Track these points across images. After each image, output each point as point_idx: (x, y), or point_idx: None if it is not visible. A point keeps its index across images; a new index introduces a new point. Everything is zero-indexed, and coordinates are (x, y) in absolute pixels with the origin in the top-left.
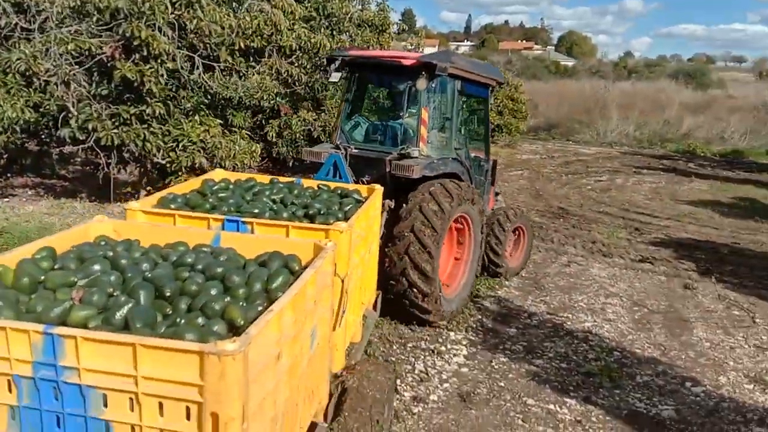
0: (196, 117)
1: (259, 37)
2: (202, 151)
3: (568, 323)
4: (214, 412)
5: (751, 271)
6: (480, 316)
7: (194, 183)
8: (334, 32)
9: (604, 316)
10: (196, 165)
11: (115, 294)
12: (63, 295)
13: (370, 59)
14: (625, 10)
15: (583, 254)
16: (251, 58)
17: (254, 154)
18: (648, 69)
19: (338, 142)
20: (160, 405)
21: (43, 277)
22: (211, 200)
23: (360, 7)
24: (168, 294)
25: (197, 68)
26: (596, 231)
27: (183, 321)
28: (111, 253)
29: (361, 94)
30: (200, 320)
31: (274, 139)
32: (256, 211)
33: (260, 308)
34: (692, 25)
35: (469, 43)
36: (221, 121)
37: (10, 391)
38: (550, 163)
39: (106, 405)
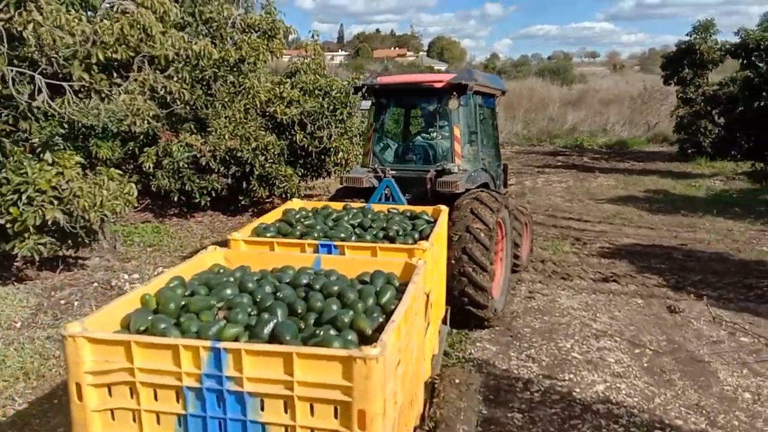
0: (47, 155)
1: (123, 46)
2: (55, 203)
3: (576, 389)
4: (361, 409)
5: (720, 279)
6: None
7: (276, 213)
8: (215, 39)
9: (611, 370)
10: (49, 221)
11: (252, 313)
12: (206, 317)
13: (402, 84)
14: (486, 14)
15: (540, 279)
16: (115, 74)
17: (130, 197)
18: (515, 69)
19: (374, 166)
20: (311, 406)
21: (183, 302)
22: (298, 228)
23: (243, 10)
24: (299, 311)
25: (40, 91)
26: (538, 246)
27: (321, 332)
28: (231, 279)
29: (387, 117)
30: (332, 332)
31: (151, 170)
32: (343, 235)
33: (380, 320)
34: (547, 25)
35: (343, 52)
36: (82, 158)
37: (178, 401)
38: None
39: (263, 409)
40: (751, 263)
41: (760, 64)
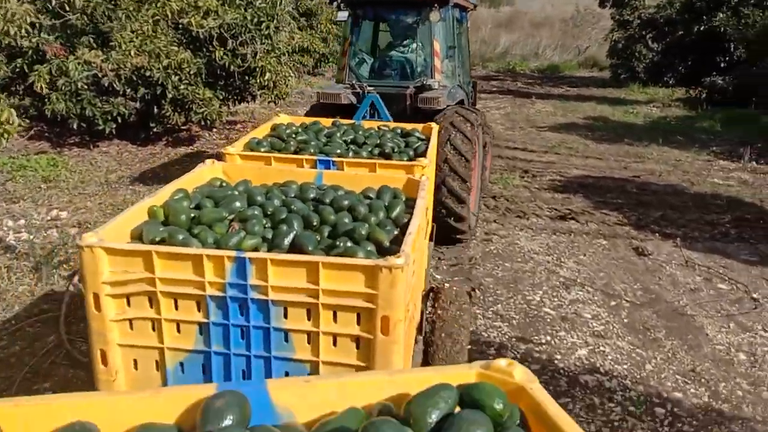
0: None
1: None
2: None
3: (557, 356)
4: (385, 315)
5: (682, 216)
6: None
7: (264, 128)
8: None
9: (590, 329)
10: None
11: (266, 225)
12: (220, 229)
13: None
14: None
15: (495, 218)
16: None
17: (9, 126)
18: None
19: (351, 81)
20: (334, 313)
21: (193, 215)
22: (292, 143)
23: None
24: (314, 224)
25: None
26: (487, 180)
27: (341, 243)
28: (236, 192)
29: (363, 31)
30: (349, 243)
31: (45, 92)
32: (339, 151)
33: (394, 232)
34: None
35: None
36: None
37: (199, 310)
38: None
39: (286, 316)
40: (707, 197)
41: None
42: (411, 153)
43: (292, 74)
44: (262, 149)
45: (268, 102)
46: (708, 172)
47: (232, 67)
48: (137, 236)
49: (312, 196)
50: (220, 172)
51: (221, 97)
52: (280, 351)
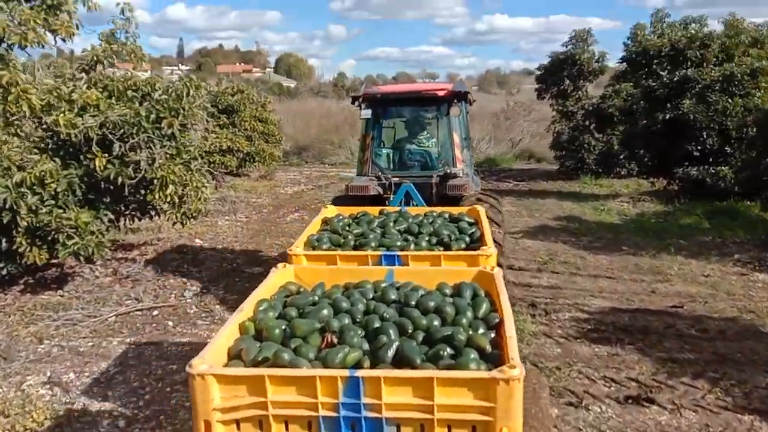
0: None
1: None
2: None
3: None
4: (504, 427)
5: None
6: None
7: (317, 223)
8: None
9: None
10: None
11: (361, 335)
12: (315, 341)
13: (405, 93)
14: (330, 35)
15: (534, 409)
16: None
17: None
18: (364, 86)
19: (375, 173)
20: (449, 428)
21: (283, 326)
22: (350, 238)
23: None
24: (409, 330)
25: None
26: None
27: (445, 353)
28: (315, 298)
29: (383, 126)
30: (449, 350)
31: None
32: (399, 243)
33: (492, 335)
34: (388, 48)
35: (184, 67)
36: None
37: (309, 430)
38: (324, 196)
39: None
40: None
41: (662, 73)
42: (467, 239)
43: (206, 183)
44: (324, 246)
45: (174, 224)
46: (757, 293)
47: (120, 179)
48: (236, 355)
49: (393, 297)
50: (292, 275)
51: (107, 219)
52: None
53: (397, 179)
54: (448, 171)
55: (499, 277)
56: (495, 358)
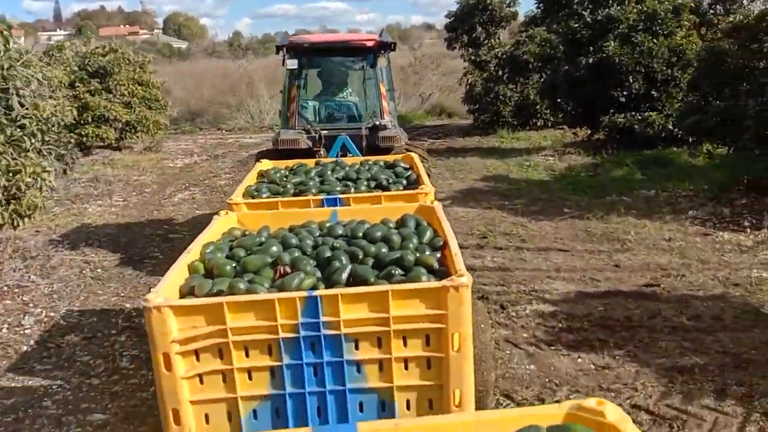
0: None
1: None
2: None
3: None
4: (456, 332)
5: None
6: None
7: (253, 176)
8: None
9: None
10: None
11: (313, 264)
12: (268, 274)
13: (331, 43)
14: None
15: None
16: None
17: None
18: (263, 46)
19: (302, 126)
20: (404, 339)
21: (233, 264)
22: (289, 186)
23: None
24: (360, 257)
25: None
26: None
27: (397, 271)
28: (263, 238)
29: (310, 77)
30: (399, 271)
31: None
32: (339, 188)
33: (438, 255)
34: (285, 5)
35: (62, 32)
36: None
37: (270, 354)
38: (220, 168)
39: (357, 348)
40: None
41: (584, 13)
42: (404, 182)
43: (48, 167)
44: (264, 195)
45: (0, 226)
46: (731, 258)
47: None
48: (188, 292)
49: (340, 232)
50: (236, 222)
51: None
52: (354, 383)
53: (326, 132)
54: (377, 123)
55: (439, 208)
56: (442, 273)
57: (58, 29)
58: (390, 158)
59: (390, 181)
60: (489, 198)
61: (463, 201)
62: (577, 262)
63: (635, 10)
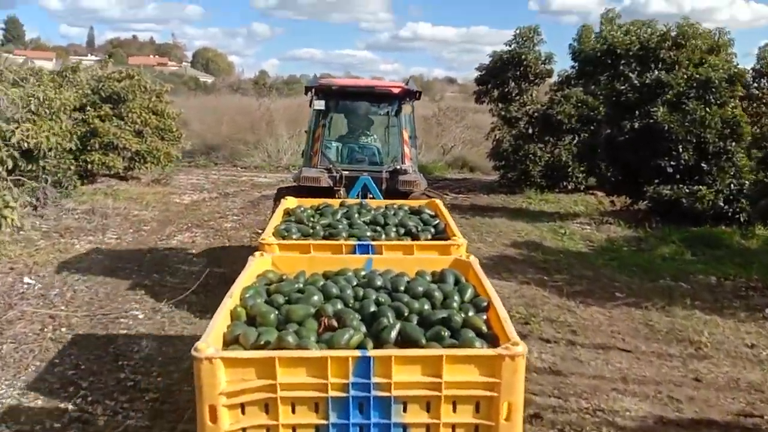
0: None
1: None
2: None
3: None
4: (509, 402)
5: None
6: None
7: (279, 214)
8: None
9: None
10: None
11: (359, 319)
12: (312, 326)
13: (358, 88)
14: (254, 33)
15: None
16: None
17: None
18: (287, 86)
19: (324, 166)
20: (454, 404)
21: (276, 313)
22: (318, 228)
23: None
24: (405, 314)
25: None
26: None
27: (447, 333)
28: (299, 285)
29: (334, 119)
30: (446, 332)
31: None
32: (369, 233)
33: (484, 317)
34: (312, 49)
35: (93, 57)
36: None
37: (316, 412)
38: (228, 208)
39: (405, 410)
40: None
41: (631, 75)
42: (432, 230)
43: (12, 203)
44: (294, 236)
45: None
46: None
47: None
48: (232, 341)
49: (379, 284)
50: (270, 264)
51: None
52: None
53: (347, 172)
54: (398, 167)
55: (476, 264)
56: (490, 338)
57: (89, 54)
58: (414, 203)
59: (419, 228)
60: (524, 270)
61: (495, 270)
62: (646, 370)
63: (686, 75)
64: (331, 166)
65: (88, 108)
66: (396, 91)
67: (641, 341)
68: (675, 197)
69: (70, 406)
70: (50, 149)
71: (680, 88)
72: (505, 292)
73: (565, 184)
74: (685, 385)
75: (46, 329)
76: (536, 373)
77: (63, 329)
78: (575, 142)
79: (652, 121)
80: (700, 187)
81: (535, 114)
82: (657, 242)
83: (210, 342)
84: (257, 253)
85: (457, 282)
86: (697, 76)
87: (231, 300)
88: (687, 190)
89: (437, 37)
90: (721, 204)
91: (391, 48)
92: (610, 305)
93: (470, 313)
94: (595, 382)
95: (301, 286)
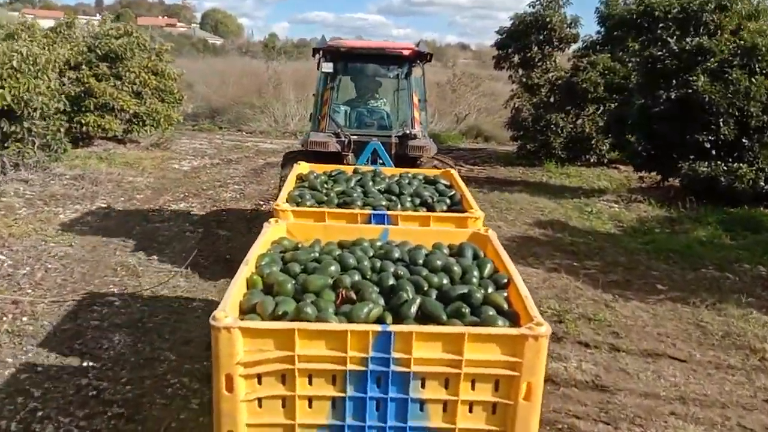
0: None
1: None
2: None
3: None
4: (529, 382)
5: None
6: None
7: (292, 179)
8: None
9: None
10: None
11: (377, 291)
12: (329, 296)
13: (367, 50)
14: None
15: None
16: None
17: None
18: (297, 49)
19: (332, 130)
20: (473, 382)
21: (293, 282)
22: (332, 195)
23: None
24: (425, 288)
25: None
26: None
27: (467, 310)
28: (315, 253)
29: (343, 82)
30: (467, 309)
31: None
32: (384, 203)
33: (505, 294)
34: (324, 12)
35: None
36: None
37: (334, 384)
38: (230, 176)
39: (423, 386)
40: None
41: (670, 40)
42: (448, 201)
43: None
44: (308, 203)
45: None
46: None
47: None
48: (249, 309)
49: (397, 255)
50: (285, 231)
51: None
52: (416, 420)
53: (356, 137)
54: (407, 132)
55: (494, 238)
56: (511, 316)
57: (97, 14)
58: (429, 173)
59: (434, 199)
60: (551, 254)
61: (520, 254)
62: (706, 386)
63: (730, 41)
64: (339, 130)
65: (83, 66)
66: (406, 52)
67: (695, 347)
68: (712, 175)
69: (13, 426)
70: (35, 109)
71: (723, 55)
72: (534, 281)
73: (587, 157)
74: (757, 409)
75: (4, 318)
76: (577, 388)
77: (24, 318)
78: (600, 112)
79: (690, 91)
80: (740, 164)
81: (558, 81)
82: (692, 224)
83: (228, 311)
84: (272, 220)
85: (475, 257)
86: (742, 42)
87: (247, 267)
88: (725, 168)
89: (451, 1)
90: (762, 183)
91: (404, 12)
92: (652, 300)
93: (490, 290)
94: (648, 402)
95: (317, 255)
